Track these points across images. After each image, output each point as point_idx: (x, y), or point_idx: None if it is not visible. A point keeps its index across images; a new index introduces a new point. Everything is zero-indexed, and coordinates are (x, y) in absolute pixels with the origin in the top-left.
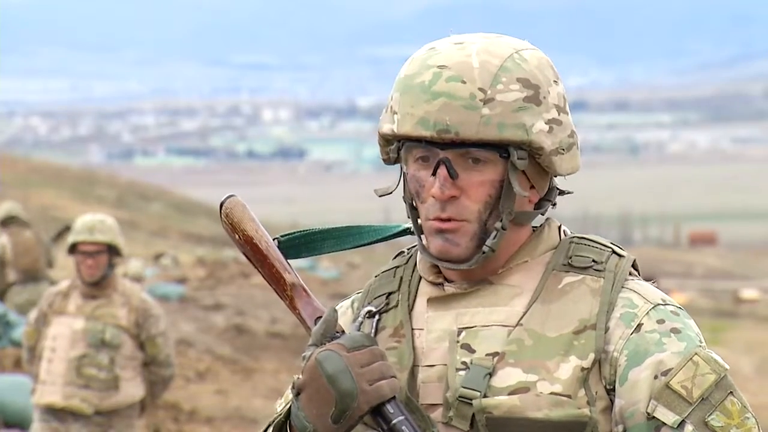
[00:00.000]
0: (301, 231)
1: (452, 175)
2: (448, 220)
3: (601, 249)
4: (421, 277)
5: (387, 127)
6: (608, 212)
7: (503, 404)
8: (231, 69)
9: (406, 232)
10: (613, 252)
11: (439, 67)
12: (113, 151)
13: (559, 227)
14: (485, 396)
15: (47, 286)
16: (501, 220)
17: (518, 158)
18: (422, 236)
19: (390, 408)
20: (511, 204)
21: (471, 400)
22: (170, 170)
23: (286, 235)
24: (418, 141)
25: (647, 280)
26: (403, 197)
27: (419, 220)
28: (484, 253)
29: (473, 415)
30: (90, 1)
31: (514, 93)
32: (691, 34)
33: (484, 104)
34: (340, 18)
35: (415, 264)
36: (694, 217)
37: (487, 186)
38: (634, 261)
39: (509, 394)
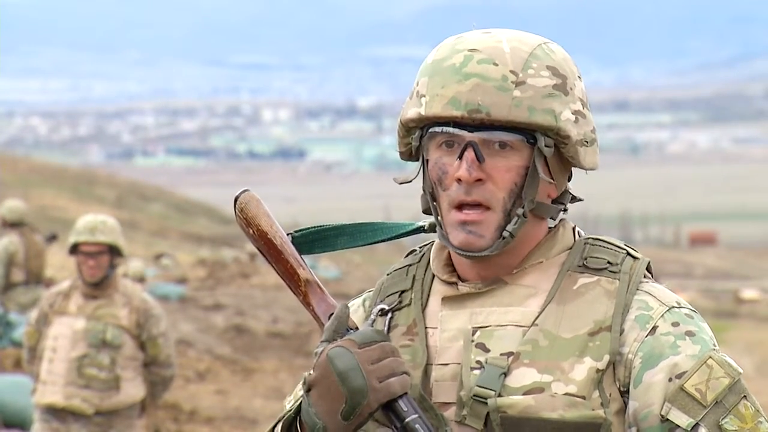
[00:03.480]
0: (315, 227)
1: (479, 158)
2: (473, 204)
3: (616, 251)
4: (434, 276)
5: (413, 112)
6: (608, 212)
7: (518, 404)
8: (231, 69)
9: (419, 230)
10: (628, 254)
11: (470, 50)
12: (113, 151)
13: (574, 228)
14: (500, 395)
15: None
16: (523, 207)
17: (545, 145)
18: (443, 228)
19: (403, 405)
20: (534, 192)
21: (486, 399)
22: (170, 170)
23: (300, 230)
24: (445, 124)
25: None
26: (423, 187)
27: (440, 211)
28: (503, 238)
29: (488, 414)
30: (90, 1)
31: (544, 79)
32: (691, 34)
33: (515, 86)
34: (340, 18)
35: (428, 262)
36: (694, 217)
37: (512, 172)
38: (648, 263)
39: (524, 394)
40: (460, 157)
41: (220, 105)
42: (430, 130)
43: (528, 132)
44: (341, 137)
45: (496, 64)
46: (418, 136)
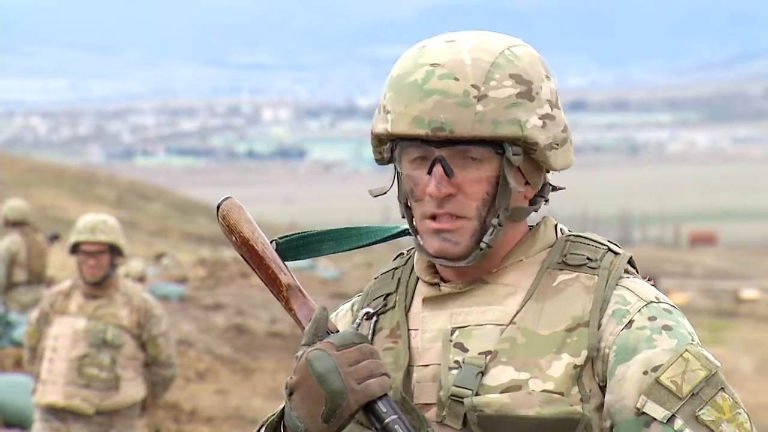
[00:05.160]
0: (299, 233)
1: (448, 173)
2: (446, 216)
3: (596, 246)
4: (418, 278)
5: (381, 127)
6: (608, 212)
7: (494, 402)
8: (231, 69)
9: (404, 233)
10: (609, 249)
11: (432, 65)
12: (113, 151)
13: (556, 226)
14: (477, 394)
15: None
16: (498, 217)
17: (513, 154)
18: (418, 235)
19: (383, 407)
20: (507, 200)
21: (462, 398)
22: (170, 170)
23: (284, 237)
24: (413, 140)
25: (646, 279)
26: (398, 197)
27: (414, 220)
28: (481, 249)
29: (465, 413)
30: (90, 1)
31: (507, 89)
32: (691, 34)
33: (477, 101)
34: (340, 18)
35: (413, 265)
36: (694, 217)
37: (483, 183)
38: (631, 258)
39: (501, 392)
40: (430, 172)
41: (220, 105)
42: (400, 144)
43: (495, 143)
44: (341, 137)
45: (457, 79)
46: (389, 148)
